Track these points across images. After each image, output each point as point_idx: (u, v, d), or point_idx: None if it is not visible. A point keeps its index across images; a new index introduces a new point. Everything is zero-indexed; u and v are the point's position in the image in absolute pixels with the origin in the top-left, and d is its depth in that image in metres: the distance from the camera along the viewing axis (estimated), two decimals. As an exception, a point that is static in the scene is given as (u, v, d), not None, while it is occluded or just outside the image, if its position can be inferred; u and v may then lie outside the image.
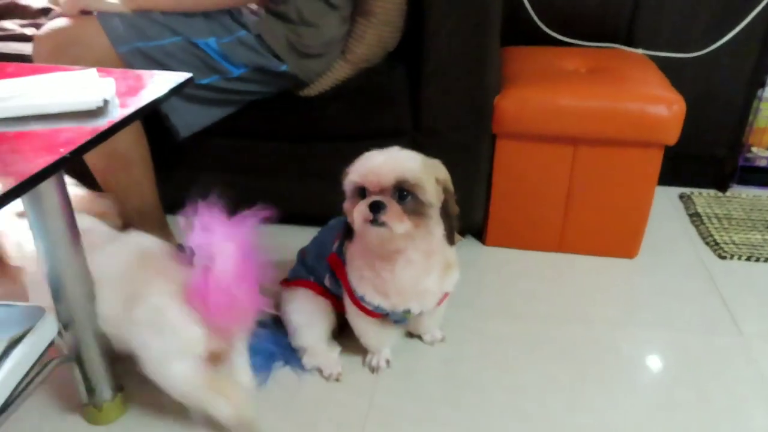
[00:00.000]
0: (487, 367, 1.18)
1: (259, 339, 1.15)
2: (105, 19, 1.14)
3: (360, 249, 1.04)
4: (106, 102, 0.79)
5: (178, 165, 1.51)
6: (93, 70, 0.82)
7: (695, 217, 1.66)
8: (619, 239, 1.48)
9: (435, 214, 0.98)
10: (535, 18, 1.69)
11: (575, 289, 1.41)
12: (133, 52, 1.16)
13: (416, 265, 1.02)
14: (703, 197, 1.76)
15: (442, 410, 1.08)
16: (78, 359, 0.99)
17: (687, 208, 1.71)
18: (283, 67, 1.30)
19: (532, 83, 1.40)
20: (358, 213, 0.95)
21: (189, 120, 1.28)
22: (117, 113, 0.76)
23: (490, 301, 1.36)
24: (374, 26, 1.37)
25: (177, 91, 0.86)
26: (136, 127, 1.22)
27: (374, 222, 0.93)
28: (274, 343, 1.17)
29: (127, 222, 1.27)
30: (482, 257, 1.52)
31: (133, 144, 1.21)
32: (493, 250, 1.55)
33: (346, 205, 0.99)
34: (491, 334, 1.27)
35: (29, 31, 1.49)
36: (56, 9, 1.48)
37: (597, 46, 1.70)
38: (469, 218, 1.49)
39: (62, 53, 1.11)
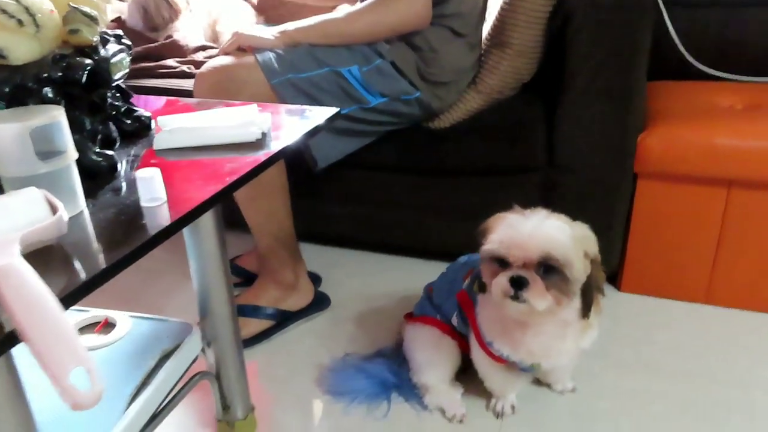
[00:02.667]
0: (622, 426, 1.09)
1: (377, 365, 1.15)
2: (261, 55, 1.23)
3: (492, 302, 0.99)
4: (264, 135, 0.83)
5: (307, 195, 1.57)
6: (254, 106, 0.87)
7: None
8: (780, 294, 1.33)
9: (578, 289, 0.92)
10: (683, 50, 1.59)
11: (726, 347, 1.27)
12: (284, 84, 1.23)
13: (549, 334, 0.98)
14: None
15: (572, 468, 1.01)
16: (218, 376, 1.04)
17: None
18: (417, 94, 1.32)
19: (681, 120, 1.31)
20: (497, 286, 0.90)
21: (327, 151, 1.33)
22: (273, 145, 0.80)
23: (627, 353, 1.26)
24: (509, 57, 1.35)
25: (328, 124, 0.89)
26: (281, 164, 1.28)
27: (514, 297, 0.89)
28: (393, 373, 1.16)
29: (263, 248, 1.34)
30: (617, 304, 1.42)
31: (276, 173, 1.27)
32: (629, 297, 1.44)
33: (484, 268, 0.95)
34: (627, 389, 1.17)
35: (188, 68, 1.64)
36: (216, 48, 1.61)
37: (755, 81, 1.56)
38: (604, 261, 1.40)
39: (221, 89, 1.20)
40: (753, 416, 1.10)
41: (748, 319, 1.34)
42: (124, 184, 0.71)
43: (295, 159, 1.34)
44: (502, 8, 1.36)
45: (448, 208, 1.47)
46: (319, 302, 1.43)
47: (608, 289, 1.46)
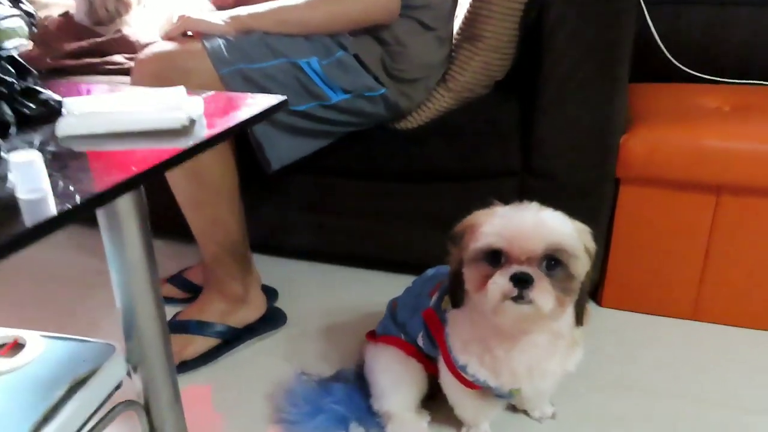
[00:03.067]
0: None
1: (332, 397, 1.02)
2: (209, 42, 1.10)
3: (469, 319, 0.88)
4: (192, 122, 0.71)
5: (264, 202, 1.45)
6: (181, 88, 0.75)
7: None
8: (771, 309, 1.23)
9: (579, 288, 0.81)
10: (666, 52, 1.51)
11: (716, 366, 1.17)
12: (234, 75, 1.10)
13: (539, 348, 0.86)
14: None
15: (553, 508, 0.89)
16: (146, 405, 0.90)
17: None
18: (382, 91, 1.21)
19: (666, 121, 1.21)
20: (496, 287, 0.76)
21: (281, 151, 1.21)
22: (203, 134, 0.67)
23: (611, 373, 1.15)
24: (481, 52, 1.25)
25: (270, 114, 0.77)
26: (227, 157, 1.15)
27: (518, 299, 0.76)
28: (350, 404, 1.03)
29: (207, 257, 1.20)
30: (598, 320, 1.31)
31: (222, 175, 1.14)
32: (611, 312, 1.34)
33: (471, 271, 0.82)
34: (612, 413, 1.06)
35: (136, 64, 1.50)
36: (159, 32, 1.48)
37: (741, 83, 1.48)
38: (584, 274, 1.30)
39: (163, 78, 1.07)
40: (749, 444, 0.99)
41: (738, 335, 1.25)
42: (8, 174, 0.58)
43: (249, 162, 1.22)
44: None
45: (416, 216, 1.36)
46: (274, 319, 1.30)
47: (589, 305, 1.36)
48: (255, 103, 0.80)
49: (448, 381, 0.95)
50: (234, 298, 1.22)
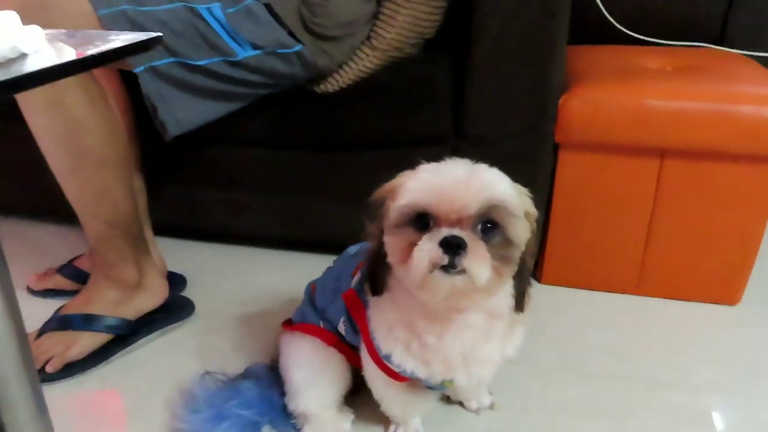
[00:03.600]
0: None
1: (239, 399, 0.88)
2: None
3: (393, 300, 0.75)
4: (24, 56, 0.54)
5: (169, 179, 1.28)
6: (13, 13, 0.58)
7: (808, 256, 1.33)
8: (717, 281, 1.17)
9: (519, 258, 0.68)
10: (605, 13, 1.42)
11: (660, 343, 1.09)
12: (117, 17, 0.93)
13: (475, 331, 0.73)
14: (813, 232, 1.42)
15: None
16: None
17: (795, 245, 1.38)
18: (298, 48, 1.06)
19: (607, 81, 1.12)
20: (423, 254, 0.63)
21: (180, 114, 1.04)
22: (29, 68, 0.51)
23: (552, 356, 1.06)
24: (408, 6, 1.12)
25: (130, 53, 0.61)
26: (112, 121, 0.98)
27: (449, 268, 0.63)
28: (261, 405, 0.89)
29: (92, 237, 1.02)
30: (538, 298, 1.19)
31: (107, 141, 0.96)
32: (551, 289, 1.24)
33: (394, 239, 0.68)
34: (554, 399, 0.96)
35: None
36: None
37: (683, 45, 1.42)
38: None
39: (30, 17, 0.88)
40: (705, 423, 0.92)
41: (683, 309, 1.18)
42: None
43: (151, 133, 1.05)
44: (399, -55, 1.13)
45: (339, 190, 1.22)
46: (179, 309, 1.14)
47: (529, 282, 1.26)
48: (117, 40, 0.64)
49: (371, 373, 0.82)
50: (127, 285, 1.05)
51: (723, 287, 1.17)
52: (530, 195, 0.72)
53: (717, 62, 1.23)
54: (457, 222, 0.64)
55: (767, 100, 1.03)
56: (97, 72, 1.07)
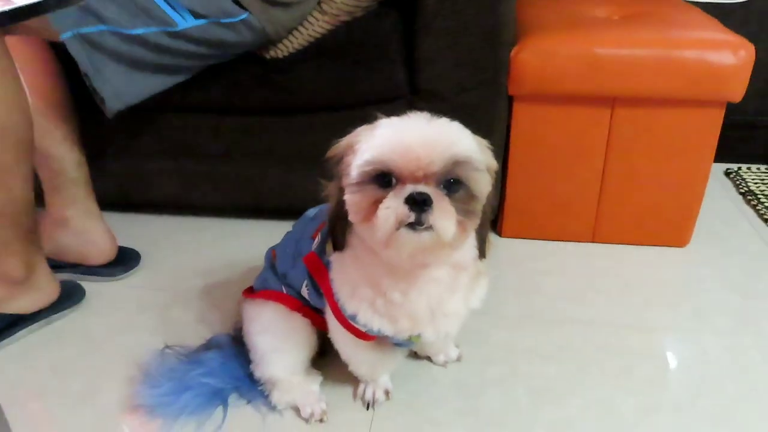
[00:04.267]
0: (518, 392, 0.90)
1: (201, 369, 0.86)
2: None
3: (355, 259, 0.74)
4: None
5: (114, 150, 1.22)
6: None
7: (750, 196, 1.38)
8: (668, 224, 1.21)
9: (481, 212, 0.68)
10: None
11: (620, 288, 1.12)
12: None
13: (440, 285, 0.73)
14: (754, 173, 1.48)
15: (464, 459, 0.80)
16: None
17: (737, 186, 1.44)
18: (243, 16, 1.01)
19: (557, 31, 1.12)
20: (389, 212, 0.62)
21: (118, 86, 0.98)
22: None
23: (514, 306, 1.08)
24: (359, -34, 1.08)
25: (23, 14, 0.55)
26: (17, 100, 0.89)
27: (416, 225, 0.62)
28: (225, 374, 0.88)
29: None
30: (498, 251, 1.23)
31: (7, 118, 0.87)
32: (511, 242, 1.26)
33: (355, 198, 0.66)
34: (519, 347, 0.98)
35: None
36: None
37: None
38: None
39: None
40: (659, 360, 0.95)
41: (636, 253, 1.21)
42: None
43: (93, 104, 0.99)
44: None
45: (292, 155, 1.19)
46: (66, 297, 1.06)
47: (488, 237, 1.27)
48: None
49: (338, 334, 0.82)
50: (11, 281, 0.97)
51: (673, 230, 1.21)
52: (490, 147, 0.71)
53: (661, 9, 1.24)
54: (422, 178, 0.63)
55: (710, 44, 1.05)
56: (20, 42, 0.99)
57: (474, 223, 0.67)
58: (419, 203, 0.62)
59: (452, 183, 0.64)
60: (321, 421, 0.84)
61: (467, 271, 0.75)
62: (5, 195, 0.90)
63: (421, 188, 0.62)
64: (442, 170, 0.63)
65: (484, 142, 0.70)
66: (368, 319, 0.75)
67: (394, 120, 0.67)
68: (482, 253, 0.74)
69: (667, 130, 1.12)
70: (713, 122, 1.10)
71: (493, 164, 0.70)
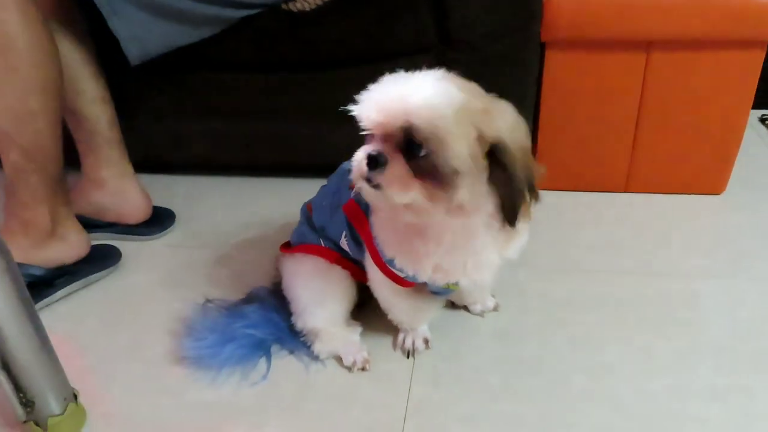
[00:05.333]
0: (556, 340, 0.90)
1: (244, 321, 0.88)
2: None
3: (387, 213, 0.75)
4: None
5: (145, 111, 1.22)
6: None
7: (787, 143, 1.36)
8: (703, 172, 1.19)
9: (470, 184, 0.64)
10: None
11: (651, 236, 1.12)
12: None
13: (455, 246, 0.72)
14: (791, 120, 1.45)
15: (500, 402, 0.81)
16: (3, 363, 0.71)
17: (774, 133, 1.41)
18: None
19: (591, -27, 1.08)
20: (354, 164, 0.67)
21: (139, 32, 0.97)
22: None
23: (549, 257, 1.08)
24: None
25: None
26: (47, 48, 0.89)
27: (370, 181, 0.65)
28: (266, 326, 0.89)
29: (6, 167, 0.92)
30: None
31: (38, 65, 0.88)
32: (543, 194, 1.23)
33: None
34: (555, 297, 0.98)
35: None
36: None
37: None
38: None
39: None
40: (697, 306, 0.95)
41: (671, 202, 1.20)
42: None
43: (123, 67, 0.98)
44: None
45: (322, 110, 1.18)
46: (103, 258, 1.07)
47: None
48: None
49: (377, 281, 0.83)
50: (38, 231, 0.98)
51: (708, 177, 1.19)
52: (507, 113, 0.66)
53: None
54: (384, 138, 0.64)
55: (753, -19, 1.01)
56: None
57: (444, 194, 0.64)
58: (371, 161, 0.63)
59: (417, 148, 0.62)
60: (363, 369, 0.86)
61: (487, 237, 0.73)
62: (33, 138, 0.92)
63: (376, 147, 0.64)
64: (400, 133, 0.62)
65: (494, 106, 0.66)
66: (403, 262, 0.76)
67: (388, 78, 0.66)
68: (510, 222, 0.69)
69: (705, 74, 1.09)
70: (753, 64, 1.07)
71: (493, 130, 0.63)
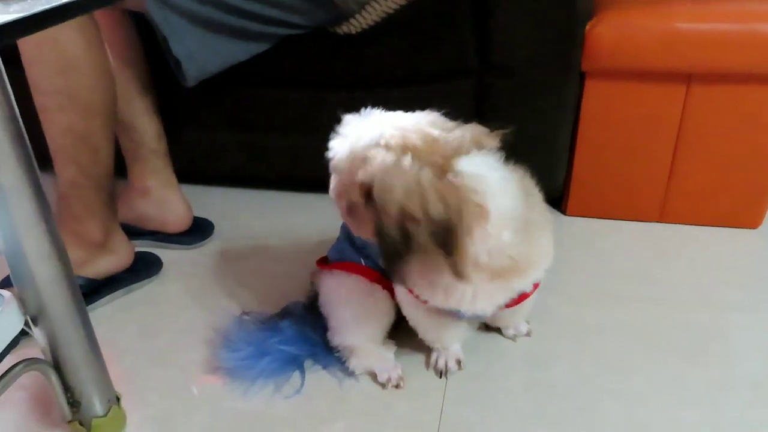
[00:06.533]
0: (587, 367, 0.90)
1: (279, 336, 0.90)
2: None
3: None
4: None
5: (185, 121, 1.26)
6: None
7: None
8: (740, 205, 1.18)
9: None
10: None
11: (685, 267, 1.11)
12: None
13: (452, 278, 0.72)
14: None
15: (531, 426, 0.81)
16: (55, 362, 0.74)
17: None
18: (315, -11, 1.02)
19: (633, 5, 1.10)
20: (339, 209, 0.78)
21: (194, 50, 1.00)
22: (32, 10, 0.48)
23: (582, 284, 1.08)
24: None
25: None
26: (105, 69, 0.93)
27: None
28: (301, 341, 0.91)
29: (63, 183, 0.96)
30: (563, 229, 1.23)
31: (97, 86, 0.91)
32: (576, 220, 1.25)
33: None
34: (588, 324, 0.99)
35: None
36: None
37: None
38: (549, 181, 1.19)
39: None
40: (730, 339, 0.95)
41: (705, 234, 1.20)
42: None
43: (165, 73, 1.02)
44: None
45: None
46: (147, 266, 1.11)
47: (552, 214, 1.27)
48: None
49: (402, 298, 0.85)
50: (91, 244, 1.01)
51: (744, 211, 1.19)
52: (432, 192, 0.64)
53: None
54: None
55: (796, 18, 1.02)
56: (104, 14, 1.03)
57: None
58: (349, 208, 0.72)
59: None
60: (397, 387, 0.87)
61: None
62: (92, 158, 0.96)
63: (353, 196, 0.69)
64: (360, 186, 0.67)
65: (377, 160, 0.65)
66: (419, 288, 0.78)
67: (345, 127, 0.74)
68: (456, 275, 0.68)
69: (744, 108, 1.09)
70: (794, 100, 1.06)
71: (367, 176, 0.65)
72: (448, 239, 0.64)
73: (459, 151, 0.66)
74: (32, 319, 0.71)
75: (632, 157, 1.16)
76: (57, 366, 0.74)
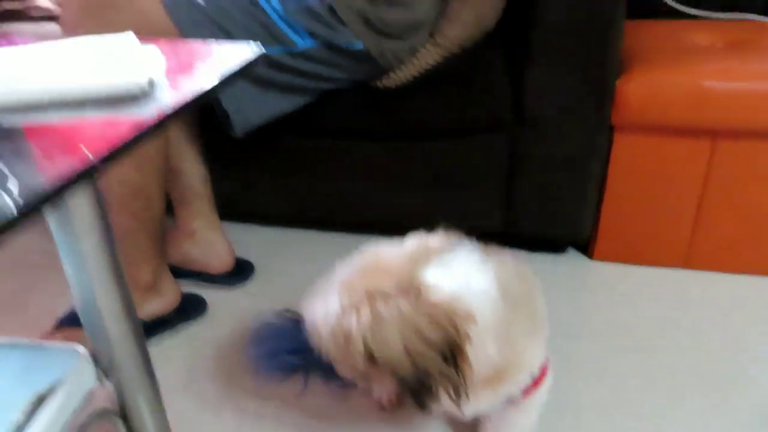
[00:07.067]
0: (614, 415, 0.94)
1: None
2: None
3: None
4: (152, 84, 0.57)
5: (231, 165, 1.31)
6: (130, 35, 0.60)
7: None
8: (765, 253, 1.21)
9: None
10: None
11: (713, 315, 1.14)
12: (182, 6, 0.95)
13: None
14: None
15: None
16: (122, 413, 0.79)
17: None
18: (359, 46, 1.08)
19: (662, 62, 1.14)
20: None
21: (249, 111, 1.07)
22: (168, 100, 0.54)
23: (607, 330, 1.11)
24: (471, 4, 1.13)
25: (247, 69, 0.64)
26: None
27: None
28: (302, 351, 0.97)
29: (119, 230, 1.02)
30: (589, 274, 1.27)
31: (153, 145, 0.98)
32: (602, 265, 1.29)
33: None
34: (613, 371, 1.02)
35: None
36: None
37: (730, 18, 1.42)
38: (576, 227, 1.24)
39: (93, 10, 0.90)
40: (758, 391, 0.97)
41: (731, 282, 1.23)
42: None
43: (210, 118, 1.08)
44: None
45: (397, 176, 1.25)
46: (192, 308, 1.16)
47: (578, 258, 1.31)
48: (225, 55, 0.66)
49: None
50: (141, 286, 1.06)
51: (770, 259, 1.22)
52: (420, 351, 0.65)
53: (765, 37, 1.24)
54: None
55: (822, 79, 1.05)
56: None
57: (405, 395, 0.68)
58: None
59: None
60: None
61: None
62: (145, 206, 1.02)
63: None
64: None
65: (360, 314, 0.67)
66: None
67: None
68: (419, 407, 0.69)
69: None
70: (820, 156, 1.10)
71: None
72: (455, 353, 0.64)
73: (417, 265, 0.68)
74: (103, 373, 0.76)
75: (658, 206, 1.20)
76: (124, 416, 0.79)
